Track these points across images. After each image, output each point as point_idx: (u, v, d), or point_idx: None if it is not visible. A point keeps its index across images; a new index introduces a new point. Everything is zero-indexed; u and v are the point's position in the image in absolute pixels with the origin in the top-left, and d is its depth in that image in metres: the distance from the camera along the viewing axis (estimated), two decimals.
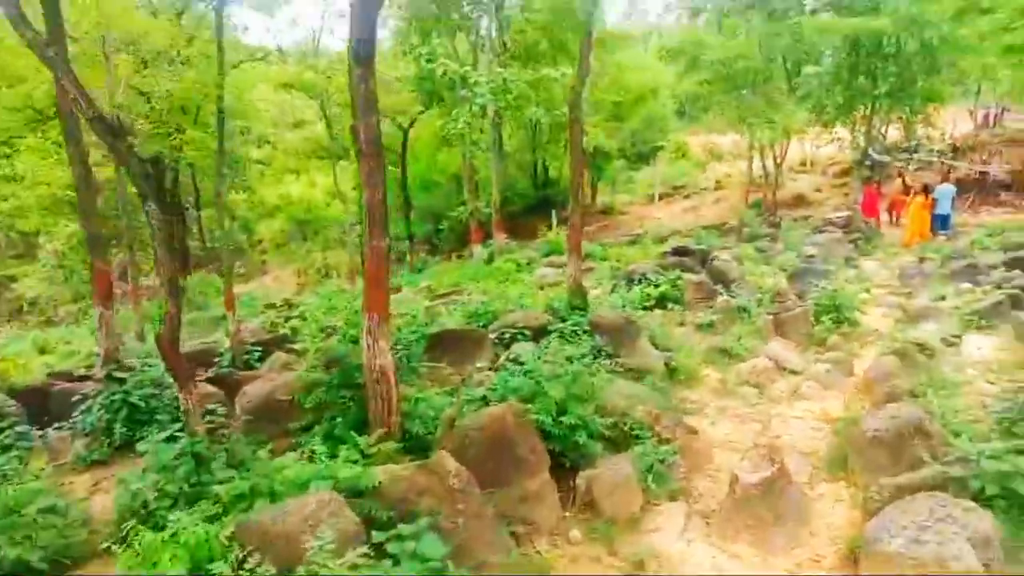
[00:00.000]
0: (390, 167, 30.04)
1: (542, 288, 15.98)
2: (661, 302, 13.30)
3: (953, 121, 30.61)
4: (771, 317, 12.25)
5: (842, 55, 24.13)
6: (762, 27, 22.94)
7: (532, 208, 34.32)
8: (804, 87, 24.38)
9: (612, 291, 14.18)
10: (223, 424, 7.03)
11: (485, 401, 7.54)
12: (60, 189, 21.08)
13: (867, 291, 16.59)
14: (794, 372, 10.80)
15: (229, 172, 24.64)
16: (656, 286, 13.61)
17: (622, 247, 22.19)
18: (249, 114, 29.85)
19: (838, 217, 24.00)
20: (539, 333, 10.41)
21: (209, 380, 10.09)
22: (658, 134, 37.49)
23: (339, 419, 7.33)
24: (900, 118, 26.81)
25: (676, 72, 25.02)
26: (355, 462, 6.09)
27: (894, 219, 26.25)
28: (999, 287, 14.11)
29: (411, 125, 26.57)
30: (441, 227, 30.40)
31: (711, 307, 12.94)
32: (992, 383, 9.99)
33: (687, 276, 13.84)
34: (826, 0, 25.45)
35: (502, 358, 10.03)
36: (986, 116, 30.66)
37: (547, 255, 22.47)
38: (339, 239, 33.59)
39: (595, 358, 9.19)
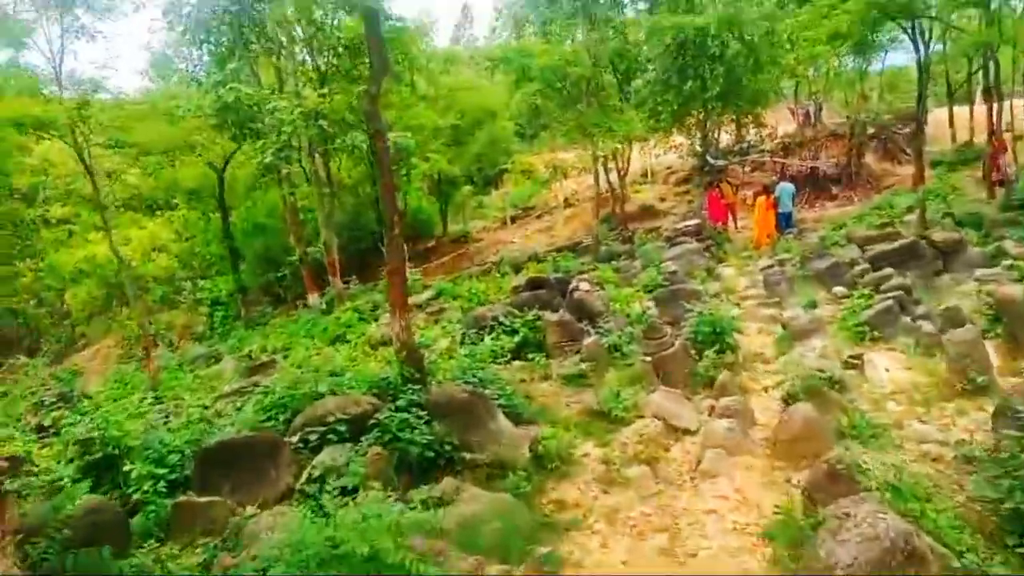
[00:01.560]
0: (209, 214, 25.91)
1: (380, 344, 12.80)
2: (520, 351, 10.47)
3: (776, 121, 30.05)
4: (649, 359, 9.64)
5: (669, 60, 22.58)
6: (586, 35, 20.91)
7: (380, 244, 30.97)
8: (637, 95, 22.62)
9: (461, 343, 11.22)
10: None
11: None
12: None
13: (737, 305, 14.53)
14: (688, 432, 8.21)
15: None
16: (512, 332, 10.77)
17: (474, 281, 19.39)
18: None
19: (687, 226, 22.23)
20: (359, 426, 7.28)
21: None
22: (502, 156, 35.19)
23: None
24: (732, 120, 25.65)
25: (507, 84, 22.64)
26: None
27: (735, 223, 24.96)
28: (876, 289, 12.29)
29: (226, 164, 22.72)
30: (281, 274, 26.51)
31: (578, 351, 10.22)
32: (924, 421, 7.77)
33: (546, 315, 11.09)
34: (645, 6, 23.98)
35: (303, 477, 6.83)
36: (806, 113, 30.38)
37: None
38: (168, 298, 28.93)
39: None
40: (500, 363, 10.08)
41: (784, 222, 22.58)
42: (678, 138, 26.44)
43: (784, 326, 12.13)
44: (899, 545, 4.30)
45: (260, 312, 24.54)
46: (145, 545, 6.48)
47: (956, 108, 27.96)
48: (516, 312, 11.32)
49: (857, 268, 15.49)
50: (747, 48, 21.81)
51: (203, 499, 6.78)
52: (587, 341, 10.20)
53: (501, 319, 10.97)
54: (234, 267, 24.21)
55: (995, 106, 19.56)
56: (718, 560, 5.54)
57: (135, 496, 7.12)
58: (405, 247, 27.62)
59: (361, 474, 6.34)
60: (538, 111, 25.25)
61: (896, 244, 14.08)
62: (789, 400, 8.06)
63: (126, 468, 7.18)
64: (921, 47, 21.18)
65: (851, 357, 9.75)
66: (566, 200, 32.30)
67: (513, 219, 32.60)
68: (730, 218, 24.72)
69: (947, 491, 5.96)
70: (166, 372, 15.81)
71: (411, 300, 18.98)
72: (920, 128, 24.32)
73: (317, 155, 20.22)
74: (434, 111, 29.48)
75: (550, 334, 10.71)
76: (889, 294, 11.38)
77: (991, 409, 7.63)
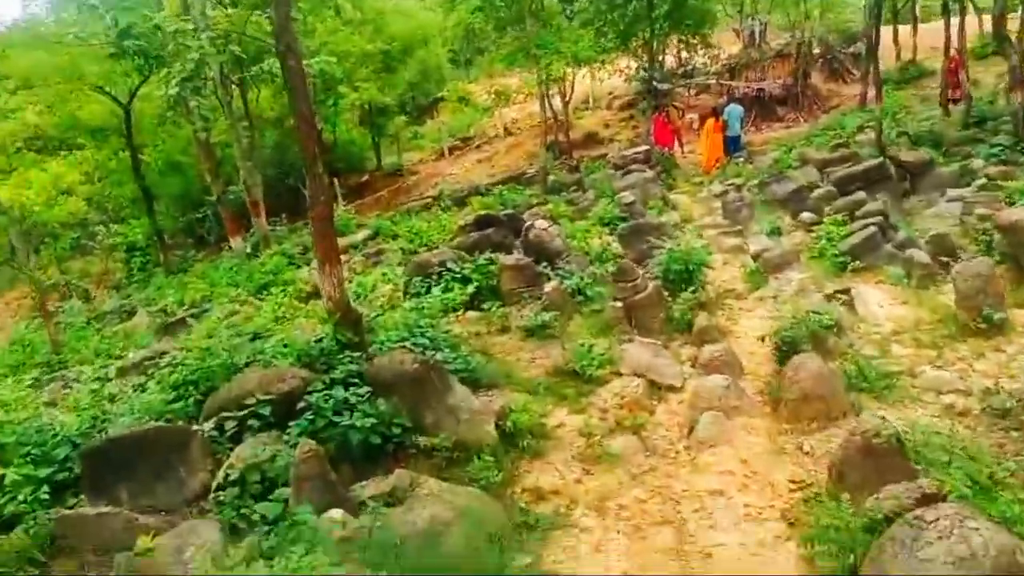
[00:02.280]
0: (119, 153, 23.29)
1: (312, 296, 11.26)
2: (473, 300, 9.12)
3: (720, 42, 28.66)
4: (619, 304, 8.43)
5: None
6: None
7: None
8: (581, 15, 20.90)
9: (405, 295, 9.78)
10: None
11: None
12: None
13: (699, 236, 13.43)
14: (673, 389, 7.08)
15: None
16: (463, 280, 9.38)
17: (415, 219, 17.79)
18: None
19: (636, 153, 20.95)
20: (287, 408, 5.88)
21: None
22: (437, 85, 32.96)
23: None
24: (680, 41, 24.17)
25: (439, 4, 20.51)
26: None
27: (681, 147, 23.78)
28: (851, 215, 11.29)
29: (131, 98, 20.16)
30: (202, 214, 24.19)
31: (539, 297, 8.93)
32: (939, 367, 6.80)
33: (501, 258, 9.71)
34: None
35: (221, 472, 5.43)
36: (751, 34, 29.07)
37: None
38: (80, 244, 26.34)
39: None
40: (452, 317, 8.73)
41: (732, 145, 21.55)
42: (623, 61, 24.84)
43: (754, 257, 11.09)
44: (1002, 565, 3.22)
45: (181, 257, 22.36)
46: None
47: (900, 26, 27.03)
48: (465, 256, 9.89)
49: (819, 191, 14.57)
50: None
51: (93, 511, 5.35)
52: (548, 286, 8.90)
53: (450, 265, 9.52)
54: (148, 209, 21.81)
55: (955, 21, 18.57)
56: (740, 562, 4.44)
57: (8, 507, 5.66)
58: (336, 183, 25.91)
59: (289, 474, 4.99)
60: (473, 34, 23.23)
61: (863, 166, 13.11)
62: (784, 348, 6.98)
63: None
64: None
65: (837, 292, 8.74)
66: (506, 129, 30.54)
67: (451, 150, 30.70)
68: (676, 143, 23.53)
69: (992, 458, 4.96)
70: (71, 331, 13.92)
71: (344, 241, 17.32)
72: (873, 44, 23.31)
73: (232, 85, 17.94)
74: (362, 37, 27.07)
75: (505, 279, 9.37)
76: (869, 220, 10.38)
77: (1010, 349, 6.71)
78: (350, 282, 11.65)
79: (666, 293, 8.91)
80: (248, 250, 17.45)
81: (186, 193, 24.69)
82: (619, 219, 13.75)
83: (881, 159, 13.04)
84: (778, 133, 24.52)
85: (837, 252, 9.89)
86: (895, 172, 13.24)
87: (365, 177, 29.52)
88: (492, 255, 9.91)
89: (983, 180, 11.88)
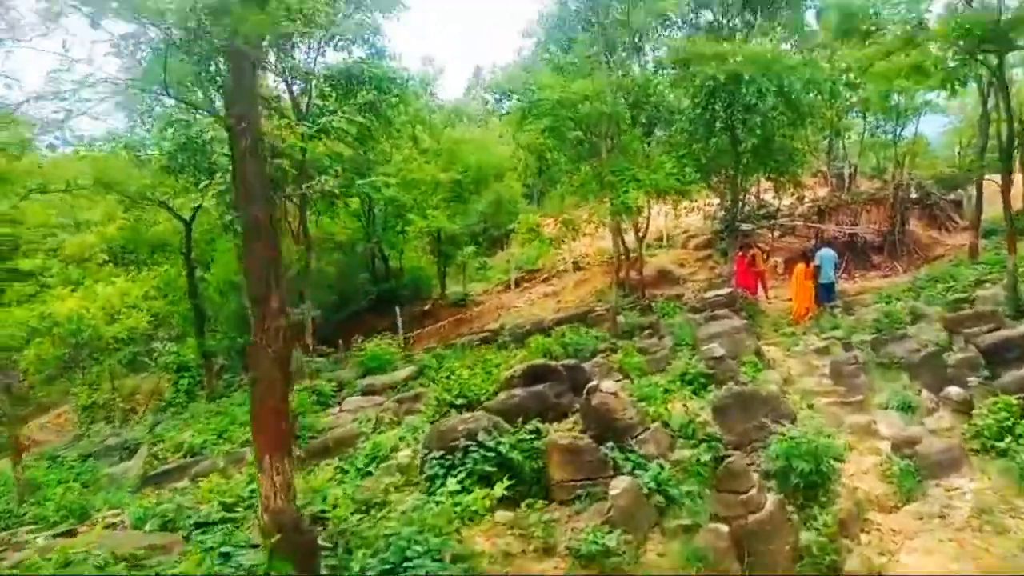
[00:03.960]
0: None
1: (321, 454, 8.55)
2: (507, 497, 6.22)
3: (807, 185, 26.21)
4: (724, 527, 5.38)
5: (698, 110, 18.88)
6: (606, 76, 17.21)
7: (374, 307, 26.91)
8: (661, 146, 18.85)
9: (421, 474, 6.96)
10: None
11: None
12: None
13: (810, 407, 10.26)
14: None
15: None
16: (499, 462, 6.54)
17: (467, 355, 15.26)
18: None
19: (717, 295, 18.10)
20: None
21: None
22: (509, 217, 31.38)
23: None
24: (769, 179, 21.75)
25: (511, 121, 18.85)
26: None
27: (766, 292, 20.82)
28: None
29: (194, 214, 18.95)
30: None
31: (602, 496, 5.97)
32: None
33: (552, 433, 6.86)
34: (672, 57, 20.31)
35: None
36: (839, 176, 26.60)
37: (364, 375, 15.02)
38: (137, 360, 24.75)
39: None
40: (476, 520, 5.83)
41: (826, 294, 18.53)
42: (703, 197, 22.57)
43: (895, 447, 7.88)
44: None
45: (226, 382, 20.29)
46: None
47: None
48: (503, 424, 7.08)
49: (957, 357, 11.30)
50: (785, 98, 18.11)
51: None
52: (616, 485, 5.95)
53: (481, 437, 6.74)
54: (199, 329, 20.12)
55: None
56: None
57: None
58: (398, 311, 23.84)
59: None
60: (547, 165, 21.44)
61: (1020, 329, 9.85)
62: None
63: None
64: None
65: None
66: (575, 263, 28.31)
67: (518, 283, 28.57)
68: (760, 288, 20.65)
69: None
70: (46, 473, 11.57)
71: (384, 379, 14.85)
72: (979, 191, 20.41)
73: (289, 203, 16.32)
74: (435, 165, 25.86)
75: (556, 465, 6.49)
76: None
77: None
78: (363, 440, 8.99)
79: (792, 516, 5.82)
80: None
81: (242, 313, 23.00)
82: (705, 376, 10.76)
83: None
84: (874, 283, 21.35)
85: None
86: None
87: (428, 305, 27.48)
88: (541, 425, 7.07)
89: None
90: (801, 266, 18.28)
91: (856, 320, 16.55)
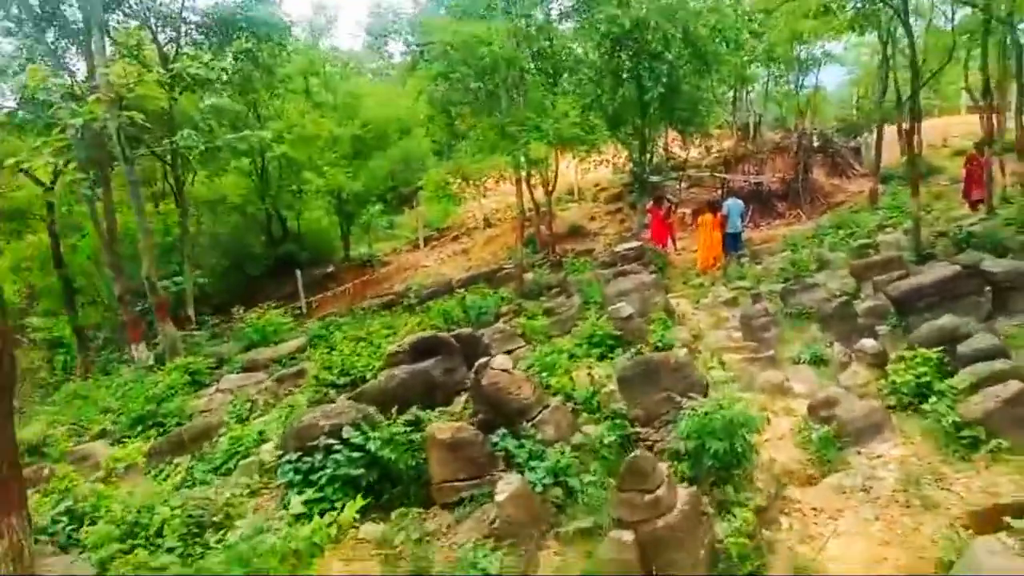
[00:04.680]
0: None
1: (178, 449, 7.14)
2: (380, 496, 5.08)
3: (714, 136, 25.68)
4: (629, 535, 4.40)
5: (602, 59, 17.77)
6: (507, 24, 15.78)
7: (273, 271, 24.94)
8: (567, 95, 17.69)
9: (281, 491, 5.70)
10: None
11: None
12: None
13: (720, 364, 9.54)
14: None
15: None
16: (367, 460, 5.36)
17: (366, 321, 13.88)
18: None
19: (627, 249, 17.32)
20: None
21: None
22: (417, 174, 29.74)
23: None
24: (675, 128, 21.04)
25: (406, 68, 17.27)
26: None
27: (674, 244, 20.23)
28: (949, 350, 7.40)
29: (55, 178, 16.52)
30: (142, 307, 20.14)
31: (490, 500, 4.90)
32: None
33: (432, 421, 5.72)
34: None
35: None
36: (746, 127, 26.22)
37: (248, 348, 13.41)
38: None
39: None
40: (335, 532, 4.64)
41: (733, 243, 18.06)
42: (611, 150, 21.65)
43: (811, 410, 7.17)
44: None
45: (105, 359, 18.17)
46: None
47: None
48: (376, 415, 5.88)
49: (866, 305, 10.82)
50: (691, 46, 17.24)
51: None
52: (503, 486, 4.88)
53: (347, 434, 5.52)
54: (67, 302, 17.86)
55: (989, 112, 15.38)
56: None
57: None
58: (298, 274, 22.05)
59: None
60: (450, 119, 19.93)
61: (935, 276, 9.36)
62: None
63: None
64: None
65: (1001, 505, 4.77)
66: (486, 220, 27.10)
67: (427, 241, 27.16)
68: (670, 240, 20.06)
69: None
70: None
71: (269, 353, 13.32)
72: (879, 138, 20.35)
73: (165, 164, 14.29)
74: (332, 120, 23.88)
75: (436, 462, 5.36)
76: (993, 365, 6.50)
77: None
78: (223, 431, 7.63)
79: (705, 499, 4.92)
80: (150, 362, 13.30)
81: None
82: (613, 338, 9.89)
83: (958, 268, 9.32)
84: (779, 230, 21.09)
85: (959, 419, 5.95)
86: (973, 285, 9.50)
87: (331, 268, 25.72)
88: (422, 412, 5.92)
89: None
90: (708, 216, 17.72)
91: (763, 269, 16.12)
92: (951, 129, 25.89)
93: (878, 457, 6.19)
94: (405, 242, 27.84)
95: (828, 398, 7.14)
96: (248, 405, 9.54)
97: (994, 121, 16.62)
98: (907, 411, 7.17)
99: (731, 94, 26.22)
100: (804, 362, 9.51)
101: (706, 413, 5.56)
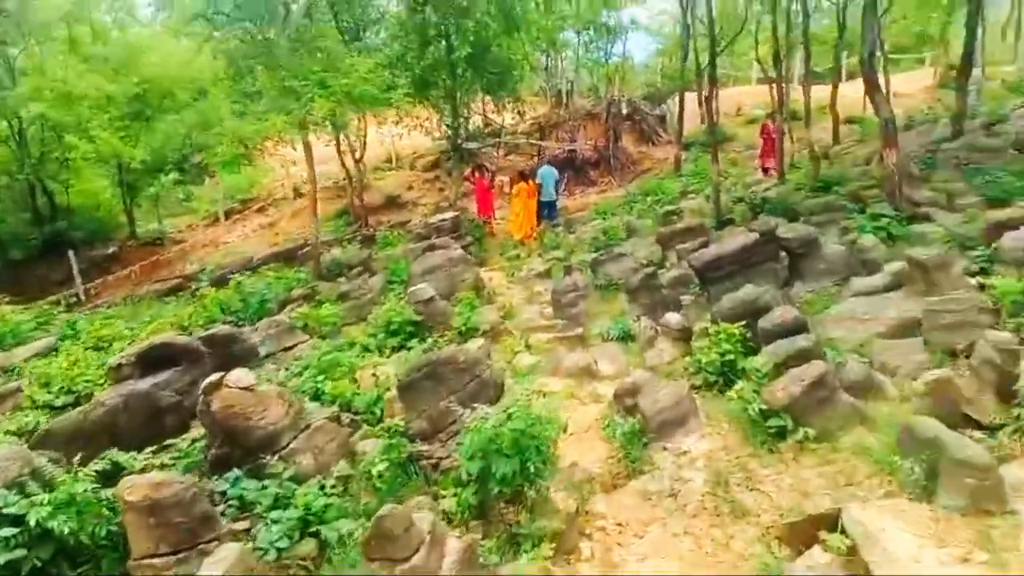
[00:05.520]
0: None
1: None
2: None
3: (527, 102, 25.00)
4: None
5: (407, 13, 16.23)
6: None
7: (44, 254, 20.95)
8: (369, 53, 15.99)
9: None
10: None
11: None
12: None
13: (527, 347, 8.66)
14: None
15: None
16: (27, 545, 3.71)
17: (142, 311, 11.54)
18: None
19: (442, 220, 16.19)
20: None
21: None
22: (217, 139, 26.39)
23: None
24: (486, 93, 20.02)
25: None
26: None
27: (493, 214, 19.38)
28: (751, 323, 6.95)
29: None
30: None
31: None
32: None
33: (130, 479, 4.14)
34: None
35: None
36: (559, 93, 25.82)
37: None
38: None
39: None
40: None
41: (548, 211, 17.57)
42: (422, 115, 20.22)
43: (618, 396, 6.44)
44: None
45: None
46: None
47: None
48: (50, 466, 4.22)
49: (671, 275, 10.47)
50: (499, 4, 16.20)
51: None
52: (214, 563, 3.49)
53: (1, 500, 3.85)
54: None
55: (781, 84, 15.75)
56: None
57: None
58: (72, 256, 18.54)
59: None
60: (241, 76, 17.45)
61: (735, 244, 9.04)
62: None
63: None
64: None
65: (814, 517, 4.18)
66: (295, 189, 24.64)
67: (228, 215, 24.25)
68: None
69: None
70: None
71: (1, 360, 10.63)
72: (681, 105, 20.63)
73: None
74: (102, 75, 20.22)
75: (134, 531, 3.83)
76: (795, 342, 6.05)
77: None
78: None
79: (489, 532, 3.87)
80: None
81: None
82: (414, 324, 8.68)
83: (756, 235, 9.08)
84: (593, 198, 20.93)
85: (765, 407, 5.38)
86: (769, 251, 9.34)
87: (114, 248, 22.15)
88: (122, 457, 4.33)
89: (898, 266, 8.14)
90: (523, 185, 16.94)
91: (577, 238, 15.66)
92: (744, 99, 27.17)
93: (685, 453, 5.51)
94: (204, 216, 24.67)
95: (633, 384, 6.41)
96: None
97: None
98: (712, 391, 6.67)
99: (544, 60, 25.64)
100: (612, 339, 8.90)
101: (495, 427, 4.48)
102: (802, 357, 5.87)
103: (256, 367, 6.70)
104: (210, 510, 3.89)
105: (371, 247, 16.18)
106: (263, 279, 11.93)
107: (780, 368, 5.85)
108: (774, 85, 17.07)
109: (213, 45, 15.74)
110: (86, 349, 8.06)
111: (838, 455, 5.13)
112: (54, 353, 10.02)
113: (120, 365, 5.72)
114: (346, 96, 11.28)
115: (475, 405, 5.11)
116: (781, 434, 5.29)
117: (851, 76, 24.29)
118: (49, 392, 6.60)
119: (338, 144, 18.18)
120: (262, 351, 7.52)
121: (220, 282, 14.88)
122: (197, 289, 14.77)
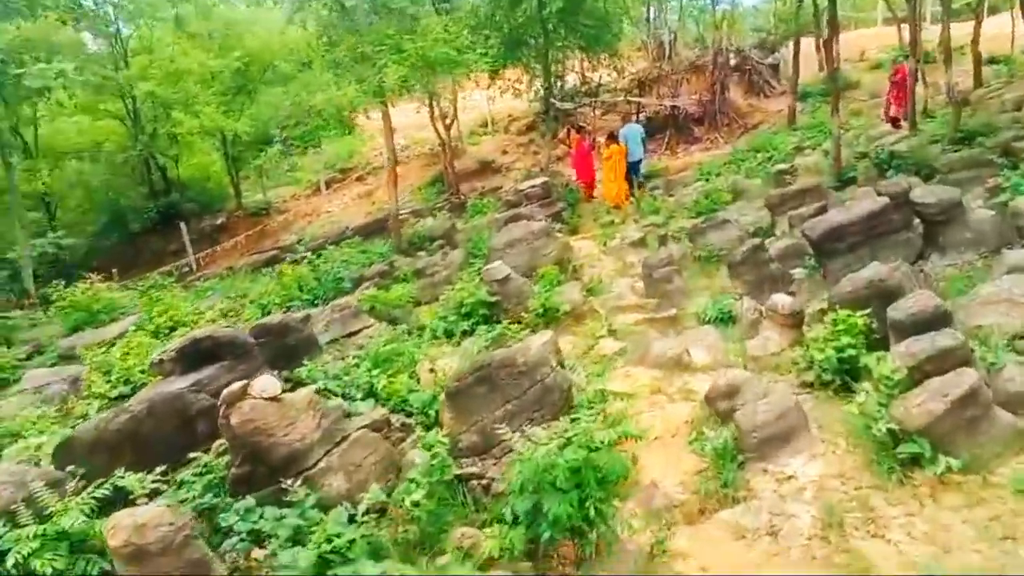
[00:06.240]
0: None
1: None
2: None
3: (627, 57, 23.29)
4: None
5: None
6: None
7: (158, 226, 21.91)
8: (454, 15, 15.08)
9: None
10: None
11: None
12: None
13: (611, 332, 7.70)
14: None
15: None
16: None
17: (237, 284, 11.49)
18: None
19: (532, 187, 15.23)
20: None
21: None
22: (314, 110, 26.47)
23: None
24: (581, 50, 18.70)
25: None
26: None
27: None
28: (877, 311, 5.66)
29: None
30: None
31: None
32: None
33: (118, 515, 3.63)
34: None
35: None
36: (660, 45, 23.95)
37: (74, 330, 10.74)
38: None
39: None
40: None
41: (633, 172, 16.05)
42: (514, 76, 19.20)
43: (709, 400, 5.41)
44: None
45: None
46: None
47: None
48: (49, 488, 3.80)
49: (781, 246, 9.12)
50: None
51: None
52: None
53: None
54: None
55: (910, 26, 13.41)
56: None
57: None
58: (184, 228, 19.16)
59: None
60: (332, 46, 17.06)
61: (858, 211, 7.60)
62: None
63: None
64: None
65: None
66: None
67: (328, 184, 24.42)
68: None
69: None
70: None
71: (90, 338, 10.76)
72: (796, 52, 18.41)
73: None
74: (205, 52, 20.56)
75: (123, 573, 3.33)
76: (935, 341, 4.77)
77: None
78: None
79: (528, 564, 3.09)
80: None
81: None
82: (487, 307, 7.93)
83: (884, 199, 7.59)
84: (697, 156, 19.22)
85: (895, 427, 4.22)
86: (900, 220, 7.81)
87: (223, 219, 22.85)
88: (124, 480, 3.84)
89: None
90: (615, 146, 15.55)
91: (676, 202, 14.31)
92: (867, 42, 24.19)
93: (790, 479, 4.46)
94: (306, 186, 24.98)
95: (730, 385, 5.36)
96: (57, 409, 7.19)
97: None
98: (828, 391, 5.51)
99: (645, 11, 23.76)
100: (710, 321, 7.78)
101: (545, 456, 3.64)
102: (945, 360, 4.61)
103: (314, 358, 6.19)
104: (204, 555, 3.32)
105: (460, 215, 15.53)
106: (343, 253, 11.50)
107: (915, 374, 4.61)
108: (903, 25, 14.69)
109: (303, 15, 15.35)
110: (151, 334, 7.88)
111: (992, 493, 3.93)
112: (142, 329, 10.07)
113: (162, 360, 5.33)
114: (421, 59, 10.48)
115: (535, 415, 4.27)
116: (916, 462, 4.12)
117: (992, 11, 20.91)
118: (107, 381, 6.39)
119: (431, 109, 17.59)
120: (325, 338, 7.03)
121: (317, 250, 14.77)
122: (294, 260, 14.76)
